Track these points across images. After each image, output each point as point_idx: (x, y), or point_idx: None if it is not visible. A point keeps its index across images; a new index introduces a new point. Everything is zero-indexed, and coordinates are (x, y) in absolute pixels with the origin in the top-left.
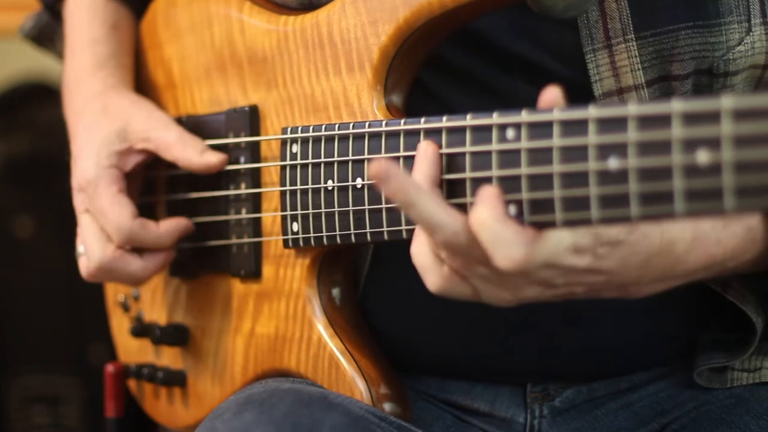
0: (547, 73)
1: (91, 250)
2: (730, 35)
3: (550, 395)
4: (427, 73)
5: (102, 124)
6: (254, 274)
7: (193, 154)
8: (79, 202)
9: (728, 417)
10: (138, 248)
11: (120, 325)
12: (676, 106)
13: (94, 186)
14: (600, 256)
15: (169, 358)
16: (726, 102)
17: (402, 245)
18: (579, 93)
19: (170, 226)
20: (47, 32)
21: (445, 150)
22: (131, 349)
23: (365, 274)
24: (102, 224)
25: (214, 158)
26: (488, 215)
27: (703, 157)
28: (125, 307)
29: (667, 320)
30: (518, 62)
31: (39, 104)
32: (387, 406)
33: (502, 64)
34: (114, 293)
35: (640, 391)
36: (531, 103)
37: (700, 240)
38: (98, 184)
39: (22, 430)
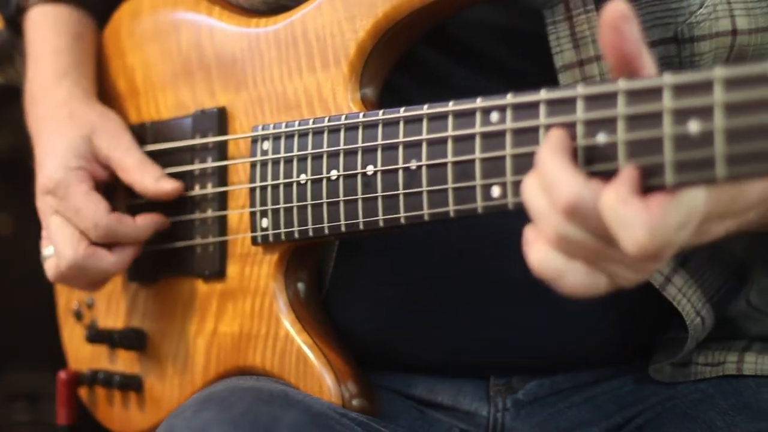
0: (513, 71)
1: (63, 250)
2: (692, 3)
3: (513, 388)
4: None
5: (68, 129)
6: (219, 273)
7: (149, 180)
8: (45, 205)
9: (693, 412)
10: (108, 244)
11: (72, 333)
12: (667, 78)
13: (64, 186)
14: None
15: (124, 363)
16: (718, 71)
17: (367, 242)
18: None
19: (146, 220)
20: (6, 49)
21: (426, 136)
22: (84, 356)
23: (330, 271)
24: (76, 223)
25: (168, 186)
26: (612, 196)
27: (694, 126)
28: (78, 315)
29: (626, 315)
30: (487, 61)
31: (17, 102)
32: (355, 401)
33: (467, 62)
34: (66, 301)
35: (604, 384)
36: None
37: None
38: (69, 184)
39: (3, 426)
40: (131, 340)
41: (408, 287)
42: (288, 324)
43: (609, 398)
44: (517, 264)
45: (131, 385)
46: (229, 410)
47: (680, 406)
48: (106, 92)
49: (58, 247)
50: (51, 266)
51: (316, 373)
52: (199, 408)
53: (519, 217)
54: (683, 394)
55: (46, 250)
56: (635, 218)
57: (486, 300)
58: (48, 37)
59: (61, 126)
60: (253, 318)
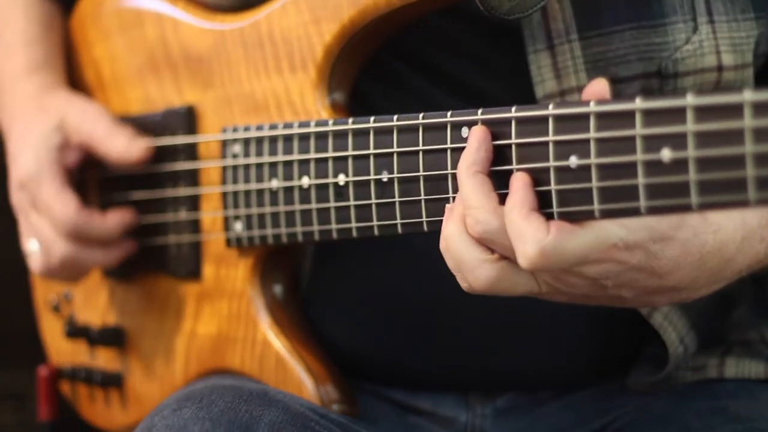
0: (493, 98)
1: (51, 245)
2: (677, 35)
3: (493, 396)
4: (366, 81)
5: (39, 122)
6: (194, 274)
7: (120, 146)
8: (20, 199)
9: (671, 414)
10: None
11: (51, 327)
12: (639, 103)
13: (36, 182)
14: (653, 254)
15: (104, 359)
16: (690, 99)
17: (345, 249)
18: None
19: (116, 218)
20: None
21: (396, 148)
22: (64, 351)
23: (307, 276)
24: (48, 218)
25: (138, 150)
26: (509, 206)
27: (666, 153)
28: (56, 309)
29: (608, 336)
30: (453, 80)
31: None
32: (334, 404)
33: (435, 80)
34: (44, 294)
35: (583, 391)
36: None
37: (748, 239)
38: (41, 179)
39: None
40: (110, 337)
41: (386, 300)
42: (265, 328)
43: (588, 404)
44: None
45: (112, 381)
46: (209, 408)
47: (657, 409)
48: (76, 84)
49: (46, 242)
50: (37, 261)
51: (295, 376)
52: (179, 406)
53: None
54: (661, 397)
55: (30, 244)
56: (531, 233)
57: (465, 317)
58: (19, 25)
59: (32, 120)
60: (231, 320)
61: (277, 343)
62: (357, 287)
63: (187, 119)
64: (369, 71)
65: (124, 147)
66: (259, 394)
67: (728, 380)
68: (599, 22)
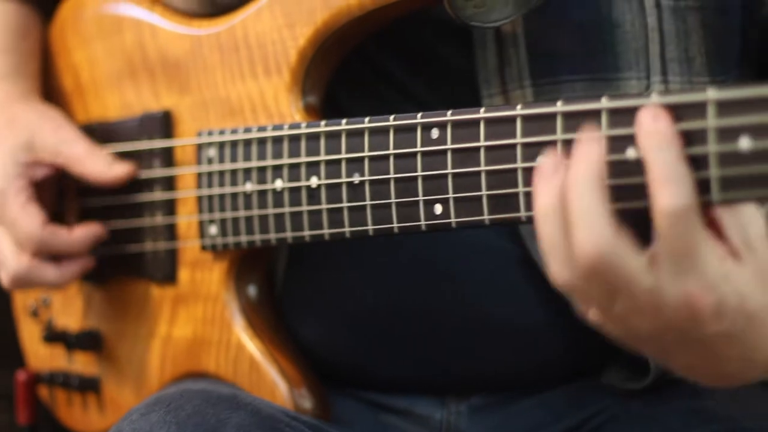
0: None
1: (7, 261)
2: (629, 90)
3: (467, 395)
4: (339, 91)
5: (7, 136)
6: (170, 278)
7: (101, 167)
8: None
9: (649, 413)
10: (54, 256)
11: (30, 332)
12: (605, 103)
13: (2, 197)
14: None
15: (82, 364)
16: (655, 98)
17: (318, 253)
18: None
19: (83, 233)
20: None
21: (368, 152)
22: (42, 356)
23: (282, 278)
24: (13, 234)
25: (121, 169)
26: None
27: (632, 152)
28: (35, 314)
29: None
30: (415, 102)
31: None
32: (308, 407)
33: (401, 98)
34: (23, 299)
35: (559, 388)
36: None
37: None
38: (6, 194)
39: None
40: (87, 342)
41: (359, 304)
42: (240, 331)
43: (564, 401)
44: (472, 291)
45: (90, 386)
46: (176, 412)
47: (636, 408)
48: (53, 90)
49: (3, 257)
50: (2, 274)
51: (269, 380)
52: (147, 410)
53: (475, 249)
54: (639, 395)
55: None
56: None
57: (439, 322)
58: None
59: (1, 133)
60: (206, 324)
61: (251, 346)
62: (330, 291)
63: (164, 124)
64: (342, 76)
65: (103, 169)
66: (228, 398)
67: None
68: (553, 70)
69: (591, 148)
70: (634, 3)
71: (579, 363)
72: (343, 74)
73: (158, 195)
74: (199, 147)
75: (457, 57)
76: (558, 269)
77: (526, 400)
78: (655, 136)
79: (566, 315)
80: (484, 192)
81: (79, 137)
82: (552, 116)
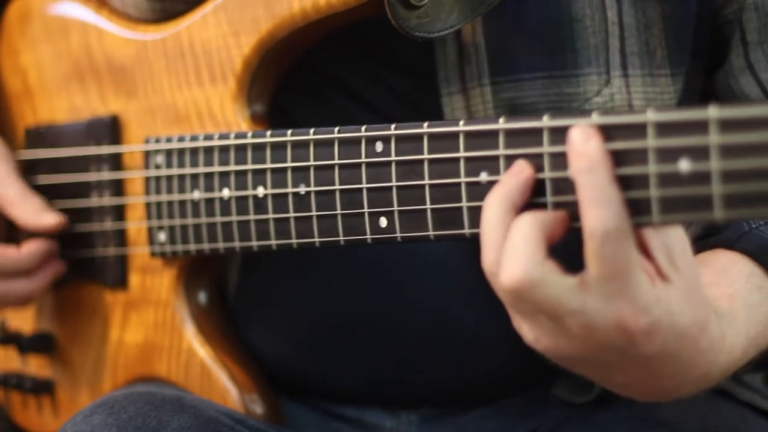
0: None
1: None
2: (588, 86)
3: (418, 405)
4: (289, 99)
5: None
6: (121, 283)
7: (29, 214)
8: None
9: (595, 420)
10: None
11: None
12: (546, 121)
13: None
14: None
15: (36, 366)
16: (595, 118)
17: (271, 260)
18: None
19: (31, 249)
20: None
21: (313, 162)
22: None
23: (235, 284)
24: None
25: (50, 219)
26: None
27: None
28: None
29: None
30: (367, 107)
31: None
32: (260, 412)
33: (353, 105)
34: None
35: (510, 398)
36: None
37: (748, 354)
38: None
39: None
40: (40, 344)
41: (310, 315)
42: (190, 336)
43: (514, 411)
44: (423, 302)
45: (44, 388)
46: (118, 414)
47: (582, 416)
48: (1, 92)
49: None
50: None
51: (220, 385)
52: (91, 412)
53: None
54: (587, 402)
55: None
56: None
57: (390, 335)
58: None
59: None
60: (157, 329)
61: (202, 351)
62: (282, 301)
63: (111, 129)
64: (289, 84)
65: (32, 217)
66: (171, 400)
67: None
68: (512, 68)
69: (515, 168)
70: None
71: (528, 375)
72: (293, 82)
73: (107, 200)
74: (147, 153)
75: (416, 55)
76: (495, 288)
77: (476, 410)
78: (584, 157)
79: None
80: (428, 206)
81: (13, 180)
82: (494, 133)
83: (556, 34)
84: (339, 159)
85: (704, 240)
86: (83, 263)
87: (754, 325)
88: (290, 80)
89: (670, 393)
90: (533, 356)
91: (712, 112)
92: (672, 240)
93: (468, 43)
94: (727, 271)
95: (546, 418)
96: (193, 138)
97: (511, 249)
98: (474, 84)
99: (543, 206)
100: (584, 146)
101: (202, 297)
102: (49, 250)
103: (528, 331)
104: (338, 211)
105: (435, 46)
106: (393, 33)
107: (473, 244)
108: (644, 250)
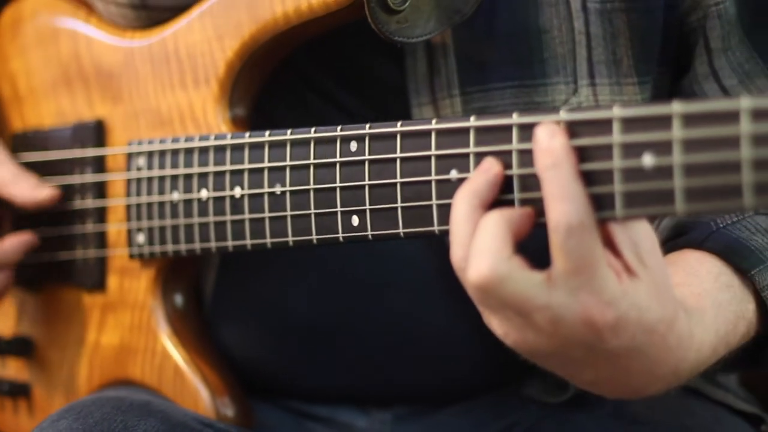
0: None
1: None
2: (556, 95)
3: (391, 404)
4: (270, 104)
5: None
6: (99, 285)
7: (26, 190)
8: None
9: (570, 419)
10: None
11: None
12: (516, 118)
13: None
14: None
15: (14, 369)
16: (563, 114)
17: (247, 261)
18: None
19: (13, 242)
20: None
21: (289, 162)
22: None
23: (212, 288)
24: None
25: (45, 193)
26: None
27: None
28: None
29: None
30: (348, 115)
31: None
32: (230, 415)
33: (331, 108)
34: None
35: (483, 397)
36: None
37: (717, 353)
38: None
39: None
40: (19, 347)
41: (285, 316)
42: (165, 338)
43: (487, 410)
44: (394, 302)
45: (20, 391)
46: (84, 419)
47: (559, 416)
48: None
49: None
50: None
51: (192, 388)
52: (59, 417)
53: (397, 261)
54: (561, 401)
55: None
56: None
57: (362, 335)
58: None
59: None
60: (132, 331)
61: (176, 354)
62: (255, 303)
63: (96, 132)
64: (274, 88)
65: (28, 192)
66: (139, 405)
67: None
68: (482, 78)
69: (484, 165)
70: (561, 8)
71: (500, 374)
72: (274, 86)
73: (89, 203)
74: (129, 156)
75: (387, 67)
76: (463, 283)
77: (449, 409)
78: (549, 154)
79: (486, 327)
80: (399, 204)
81: (6, 160)
82: (465, 131)
83: (525, 44)
84: (314, 159)
85: (673, 241)
86: (63, 266)
87: (723, 323)
88: (273, 86)
89: (639, 390)
90: (505, 355)
91: (676, 106)
92: (640, 237)
93: (438, 54)
94: (696, 270)
95: (522, 417)
96: (174, 140)
97: (478, 245)
98: (444, 95)
99: (511, 203)
100: (549, 143)
101: (178, 299)
102: (31, 244)
103: (497, 326)
104: (312, 211)
105: (405, 58)
106: (366, 44)
107: (443, 245)
108: (612, 247)
